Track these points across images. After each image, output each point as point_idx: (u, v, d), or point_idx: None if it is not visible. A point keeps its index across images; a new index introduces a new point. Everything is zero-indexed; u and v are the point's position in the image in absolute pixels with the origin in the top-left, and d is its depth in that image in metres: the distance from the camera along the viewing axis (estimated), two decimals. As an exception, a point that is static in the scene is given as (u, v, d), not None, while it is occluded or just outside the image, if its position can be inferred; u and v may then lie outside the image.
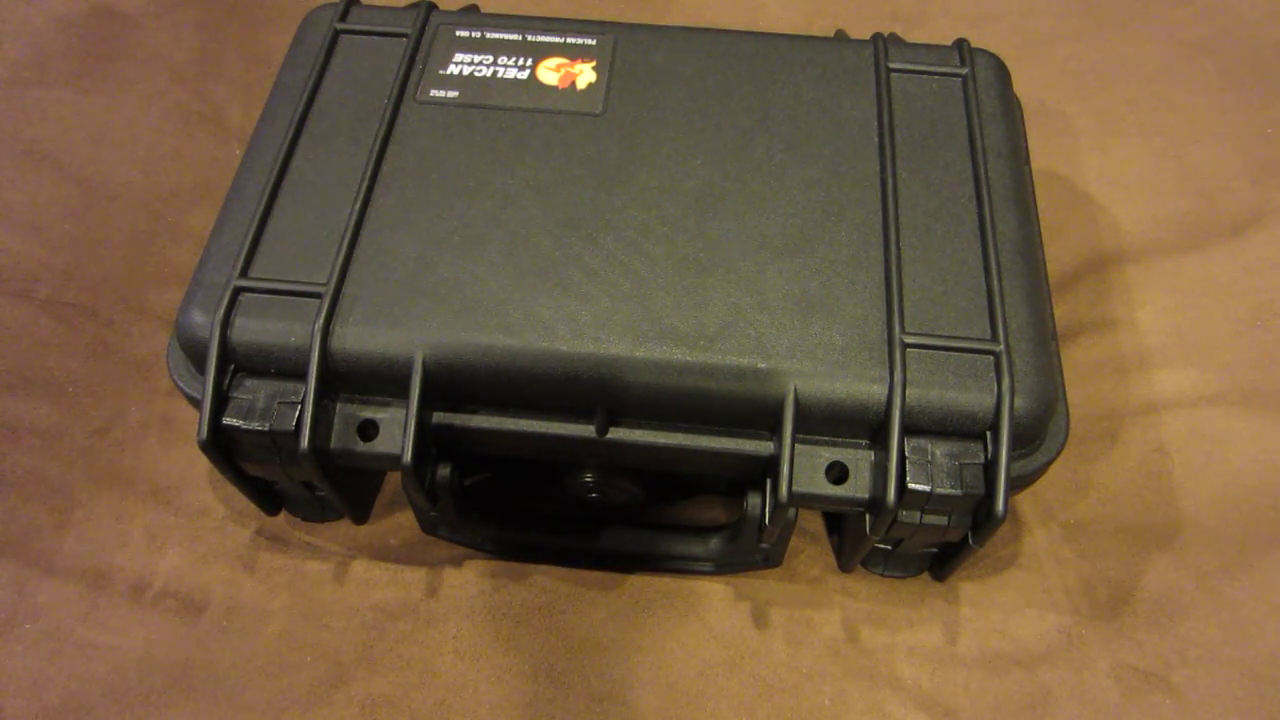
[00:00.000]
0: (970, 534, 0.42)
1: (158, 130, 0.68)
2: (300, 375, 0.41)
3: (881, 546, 0.48)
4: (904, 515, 0.41)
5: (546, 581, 0.51)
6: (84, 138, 0.67)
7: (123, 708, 0.47)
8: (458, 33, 0.53)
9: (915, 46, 0.53)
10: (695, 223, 0.45)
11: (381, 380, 0.42)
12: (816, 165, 0.48)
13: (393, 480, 0.54)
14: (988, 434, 0.41)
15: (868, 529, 0.42)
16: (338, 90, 0.50)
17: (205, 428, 0.41)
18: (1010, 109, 0.51)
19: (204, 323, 0.42)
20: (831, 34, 0.57)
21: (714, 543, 0.50)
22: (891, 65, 0.52)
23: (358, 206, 0.45)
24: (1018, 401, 0.40)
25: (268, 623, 0.49)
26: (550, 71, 0.51)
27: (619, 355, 0.41)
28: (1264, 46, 0.75)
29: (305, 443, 0.40)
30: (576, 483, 0.48)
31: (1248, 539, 0.52)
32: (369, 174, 0.46)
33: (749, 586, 0.51)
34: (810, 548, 0.52)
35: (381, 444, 0.43)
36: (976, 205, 0.46)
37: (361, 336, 0.42)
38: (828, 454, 0.42)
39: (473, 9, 0.58)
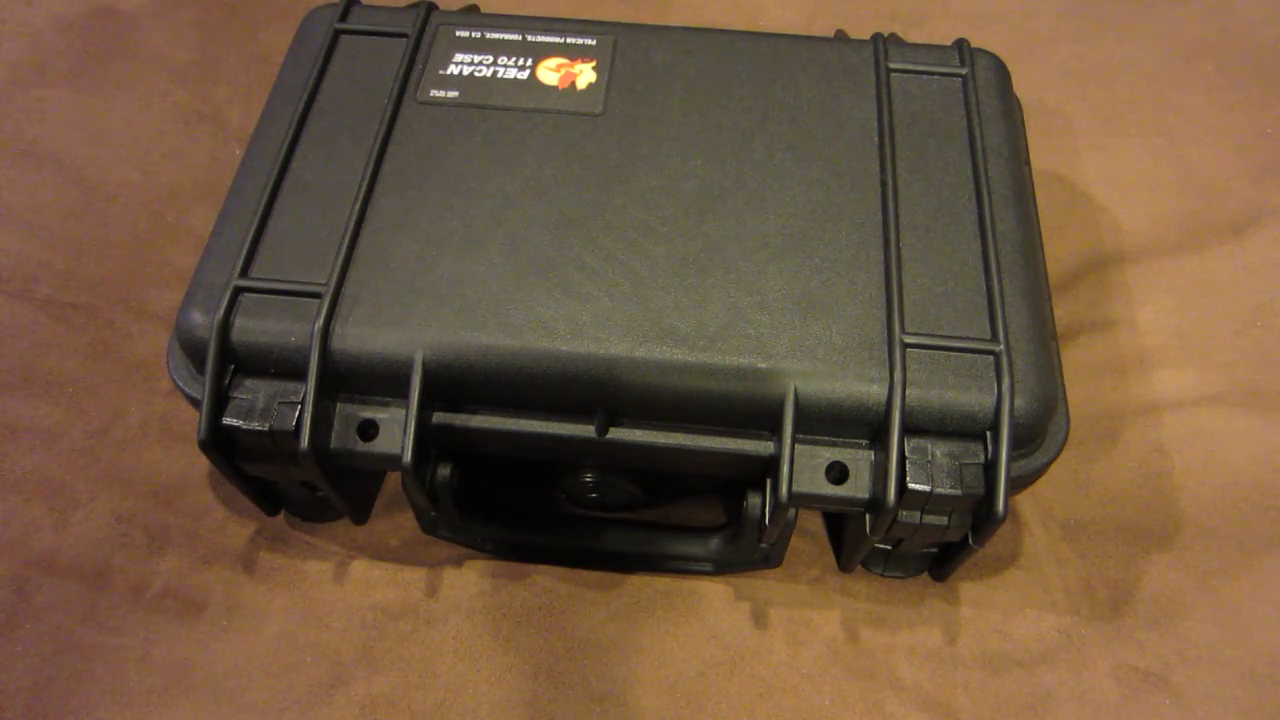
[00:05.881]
0: (970, 534, 0.42)
1: (158, 130, 0.68)
2: (300, 375, 0.41)
3: (881, 546, 0.48)
4: (904, 515, 0.41)
5: (546, 581, 0.51)
6: (84, 138, 0.67)
7: (123, 708, 0.47)
8: (458, 33, 0.53)
9: (915, 46, 0.53)
10: (695, 223, 0.45)
11: (381, 380, 0.42)
12: (816, 165, 0.48)
13: (393, 480, 0.54)
14: (988, 434, 0.41)
15: (868, 529, 0.42)
16: (338, 90, 0.50)
17: (205, 428, 0.41)
18: (1010, 109, 0.51)
19: (204, 323, 0.42)
20: (831, 34, 0.57)
21: (714, 543, 0.50)
22: (891, 65, 0.52)
23: (358, 206, 0.45)
24: (1018, 401, 0.40)
25: (268, 623, 0.49)
26: (550, 71, 0.51)
27: (619, 355, 0.41)
28: (1264, 46, 0.75)
29: (305, 443, 0.40)
30: (576, 483, 0.48)
31: (1248, 539, 0.52)
32: (369, 174, 0.46)
33: (749, 586, 0.51)
34: (810, 548, 0.52)
35: (381, 444, 0.43)
36: (976, 205, 0.46)
37: (361, 336, 0.42)
38: (828, 454, 0.42)
39: (473, 9, 0.58)
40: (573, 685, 0.48)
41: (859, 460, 0.42)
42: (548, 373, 0.42)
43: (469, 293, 0.43)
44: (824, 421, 0.42)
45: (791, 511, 0.43)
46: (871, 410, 0.41)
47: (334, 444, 0.43)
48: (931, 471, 0.40)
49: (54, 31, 0.73)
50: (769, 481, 0.43)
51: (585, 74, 0.51)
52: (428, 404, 0.42)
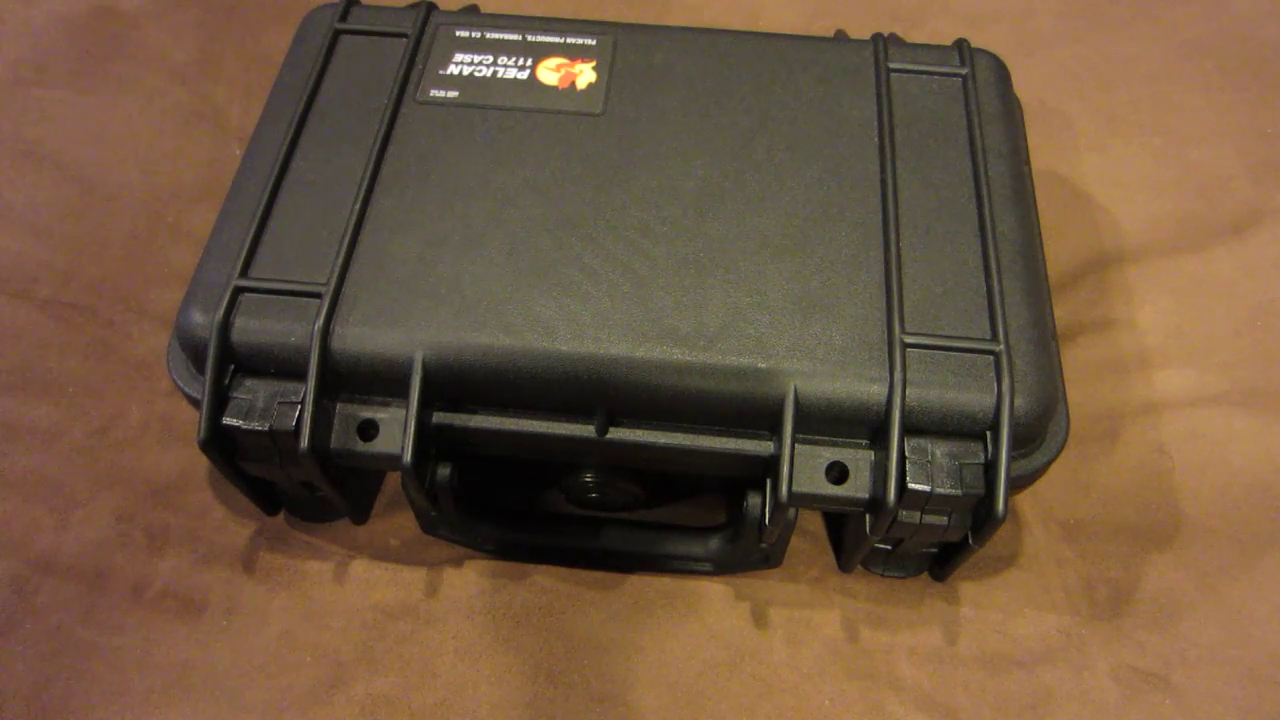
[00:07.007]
0: (970, 534, 0.42)
1: (158, 130, 0.68)
2: (300, 375, 0.41)
3: (881, 546, 0.48)
4: (904, 515, 0.41)
5: (546, 581, 0.51)
6: (84, 138, 0.67)
7: (123, 708, 0.47)
8: (458, 33, 0.53)
9: (915, 46, 0.53)
10: (695, 223, 0.45)
11: (381, 380, 0.42)
12: (816, 165, 0.48)
13: (393, 480, 0.54)
14: (988, 434, 0.41)
15: (868, 529, 0.42)
16: (338, 90, 0.50)
17: (205, 428, 0.41)
18: (1010, 109, 0.51)
19: (204, 323, 0.42)
20: (831, 34, 0.57)
21: (714, 543, 0.50)
22: (891, 65, 0.52)
23: (358, 206, 0.45)
24: (1018, 401, 0.40)
25: (268, 623, 0.49)
26: (550, 71, 0.51)
27: (619, 355, 0.41)
28: (1264, 46, 0.75)
29: (305, 443, 0.40)
30: (576, 483, 0.48)
31: (1248, 539, 0.52)
32: (369, 174, 0.46)
33: (749, 586, 0.51)
34: (810, 548, 0.52)
35: (381, 444, 0.43)
36: (976, 205, 0.46)
37: (361, 336, 0.42)
38: (828, 454, 0.42)
39: (473, 9, 0.58)
40: (573, 685, 0.48)
41: (859, 460, 0.42)
42: (548, 373, 0.42)
43: (469, 293, 0.43)
44: (824, 421, 0.42)
45: (791, 511, 0.43)
46: (871, 410, 0.41)
47: (334, 444, 0.43)
48: (931, 471, 0.40)
49: (54, 31, 0.73)
50: (769, 481, 0.43)
51: (585, 74, 0.51)
52: (428, 404, 0.42)
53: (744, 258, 0.44)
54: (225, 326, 0.42)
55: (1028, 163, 0.51)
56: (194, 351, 0.43)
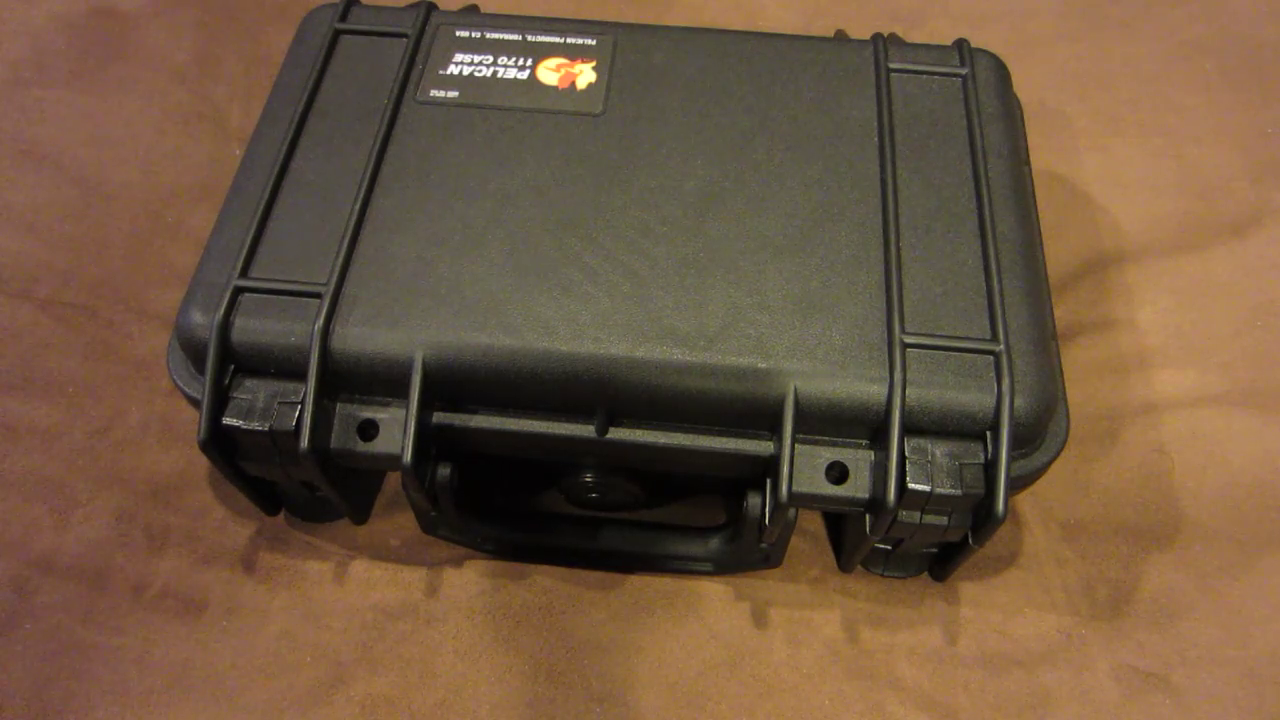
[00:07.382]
0: (970, 534, 0.42)
1: (158, 130, 0.68)
2: (300, 375, 0.41)
3: (881, 546, 0.48)
4: (904, 515, 0.41)
5: (546, 581, 0.51)
6: (84, 138, 0.67)
7: (123, 708, 0.47)
8: (458, 33, 0.53)
9: (915, 46, 0.53)
10: (695, 223, 0.46)
11: (381, 380, 0.42)
12: (816, 165, 0.48)
13: (393, 480, 0.54)
14: (988, 434, 0.41)
15: (868, 529, 0.42)
16: (338, 90, 0.50)
17: (205, 428, 0.41)
18: (1010, 109, 0.51)
19: (204, 323, 0.42)
20: (831, 34, 0.57)
21: (714, 543, 0.50)
22: (891, 65, 0.52)
23: (358, 206, 0.45)
24: (1018, 401, 0.40)
25: (267, 623, 0.49)
26: (550, 71, 0.51)
27: (619, 355, 0.41)
28: (1264, 46, 0.75)
29: (305, 443, 0.40)
30: (576, 483, 0.48)
31: (1248, 539, 0.52)
32: (369, 174, 0.46)
33: (749, 586, 0.51)
34: (810, 548, 0.52)
35: (381, 444, 0.43)
36: (976, 205, 0.46)
37: (361, 336, 0.42)
38: (828, 454, 0.42)
39: (473, 9, 0.58)
40: (573, 685, 0.48)
41: (859, 460, 0.42)
42: (548, 373, 0.42)
43: (469, 293, 0.43)
44: (824, 421, 0.42)
45: (791, 511, 0.43)
46: (871, 410, 0.41)
47: (334, 444, 0.43)
48: (931, 471, 0.40)
49: (54, 31, 0.73)
50: (769, 481, 0.43)
51: (585, 74, 0.51)
52: (428, 404, 0.42)
53: (744, 258, 0.44)
54: (225, 326, 0.42)
55: (1028, 163, 0.52)
56: (194, 351, 0.43)
